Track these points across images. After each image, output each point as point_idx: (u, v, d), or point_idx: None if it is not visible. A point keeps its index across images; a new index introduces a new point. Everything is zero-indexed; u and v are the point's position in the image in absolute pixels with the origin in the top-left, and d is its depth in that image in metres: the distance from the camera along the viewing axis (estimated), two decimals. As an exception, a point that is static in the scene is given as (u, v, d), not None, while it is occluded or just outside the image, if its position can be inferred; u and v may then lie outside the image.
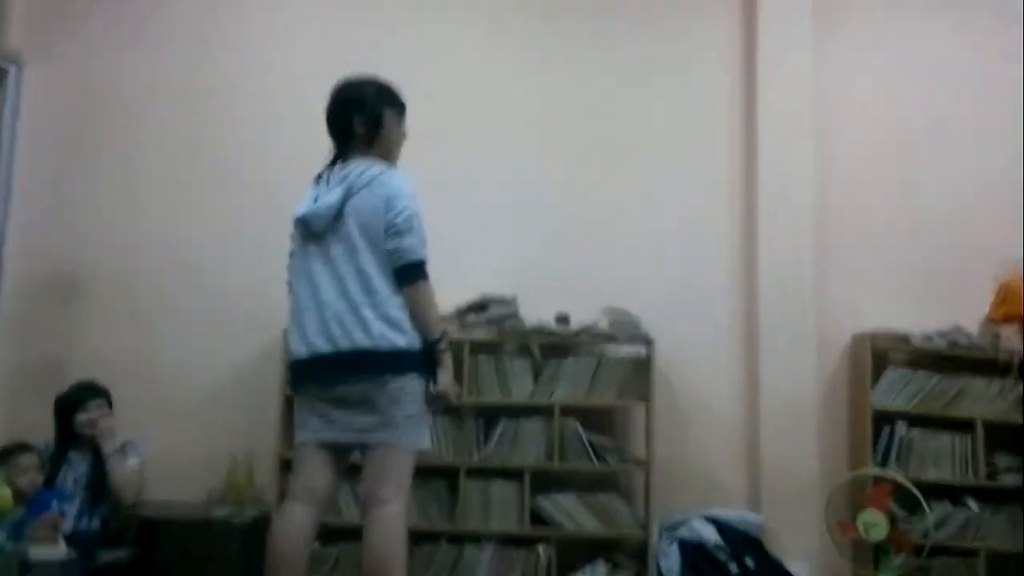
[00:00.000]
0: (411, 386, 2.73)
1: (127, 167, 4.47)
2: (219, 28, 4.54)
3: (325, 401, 2.77)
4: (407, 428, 2.73)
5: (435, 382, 2.76)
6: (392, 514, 2.68)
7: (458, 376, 4.02)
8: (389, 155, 2.90)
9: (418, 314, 2.72)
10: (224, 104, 4.49)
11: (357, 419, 2.74)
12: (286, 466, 4.06)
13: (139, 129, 4.49)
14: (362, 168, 2.78)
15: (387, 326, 2.69)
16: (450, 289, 4.17)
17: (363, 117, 2.83)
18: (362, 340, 2.68)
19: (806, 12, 4.38)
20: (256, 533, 3.90)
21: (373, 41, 4.45)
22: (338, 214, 2.75)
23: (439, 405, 2.81)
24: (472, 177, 4.40)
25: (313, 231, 2.81)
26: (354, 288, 2.71)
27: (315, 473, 2.81)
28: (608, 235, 4.38)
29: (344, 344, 2.68)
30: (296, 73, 4.45)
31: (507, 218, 4.41)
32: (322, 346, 2.72)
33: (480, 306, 4.16)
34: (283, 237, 4.57)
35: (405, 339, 2.71)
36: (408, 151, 4.28)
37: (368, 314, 2.69)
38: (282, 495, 4.01)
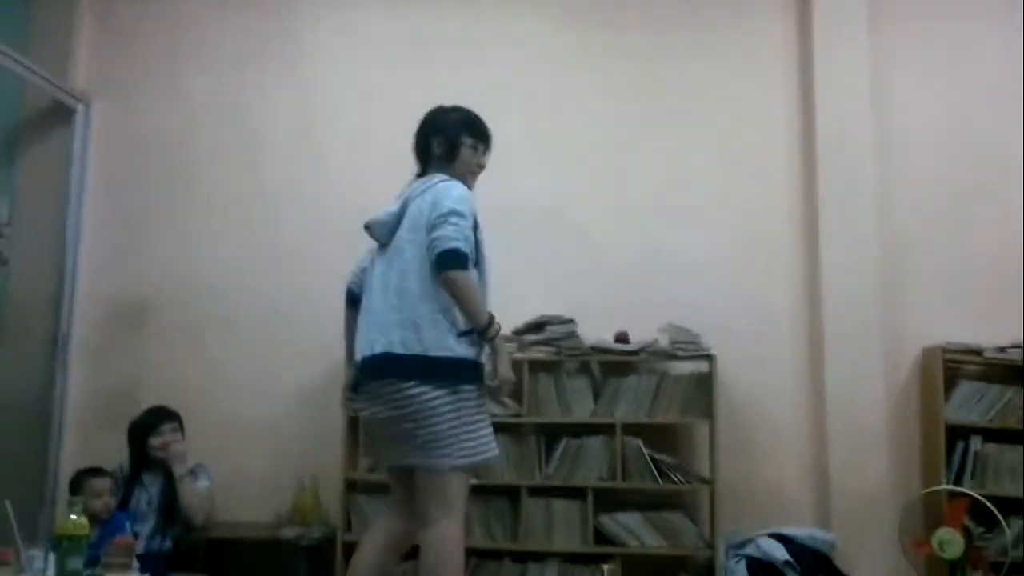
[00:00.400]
0: (439, 397, 2.71)
1: (193, 198, 4.58)
2: (283, 58, 4.64)
3: (371, 424, 2.89)
4: (439, 447, 2.72)
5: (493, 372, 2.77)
6: (441, 533, 2.69)
7: (518, 396, 4.08)
8: (462, 180, 2.96)
9: (458, 304, 2.72)
10: (287, 135, 4.59)
11: (397, 442, 2.81)
12: (351, 487, 4.13)
13: (204, 161, 4.60)
14: (427, 180, 2.91)
15: (410, 330, 2.72)
16: (508, 310, 4.20)
17: (441, 139, 2.96)
18: (382, 345, 2.74)
19: (863, 20, 4.30)
20: (322, 553, 3.96)
21: (432, 69, 4.50)
22: (397, 222, 2.87)
23: (499, 395, 2.81)
24: (531, 199, 4.40)
25: (377, 239, 2.96)
26: (391, 291, 2.79)
27: (394, 492, 2.98)
28: (668, 253, 4.35)
29: (375, 349, 2.77)
30: (353, 104, 4.55)
31: (565, 239, 4.41)
32: (362, 351, 2.82)
33: (538, 326, 4.16)
34: (345, 263, 4.68)
35: (427, 344, 2.71)
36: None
37: (393, 317, 2.75)
38: (347, 516, 4.08)
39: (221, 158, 4.60)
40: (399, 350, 2.71)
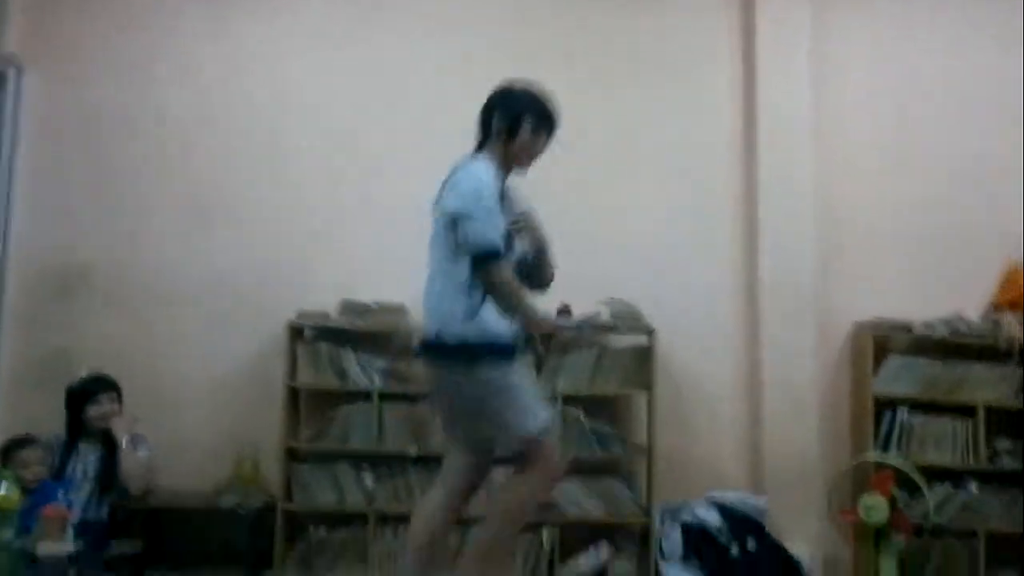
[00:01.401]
0: (476, 379, 2.72)
1: (129, 163, 4.47)
2: (220, 23, 4.54)
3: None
4: (500, 422, 2.75)
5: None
6: (520, 483, 2.79)
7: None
8: (517, 161, 2.89)
9: (497, 303, 2.70)
10: (224, 94, 4.50)
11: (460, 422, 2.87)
12: (292, 456, 4.13)
13: (137, 125, 4.49)
14: (463, 159, 2.84)
15: (434, 316, 2.75)
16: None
17: (502, 116, 2.85)
18: (425, 331, 2.79)
19: (804, 2, 4.35)
20: (263, 522, 3.96)
21: (384, 48, 4.47)
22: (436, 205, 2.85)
23: (540, 352, 2.90)
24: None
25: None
26: (429, 275, 2.81)
27: (450, 461, 2.97)
28: (608, 227, 4.39)
29: (423, 336, 2.81)
30: (295, 66, 4.49)
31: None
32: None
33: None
34: (291, 228, 4.64)
35: (444, 328, 2.71)
36: (416, 145, 4.38)
37: (427, 304, 2.79)
38: (288, 485, 4.09)
39: (154, 121, 4.48)
40: (432, 338, 2.76)
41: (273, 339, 4.20)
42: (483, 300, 2.69)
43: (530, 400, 2.76)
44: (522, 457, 2.78)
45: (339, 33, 4.52)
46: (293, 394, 4.16)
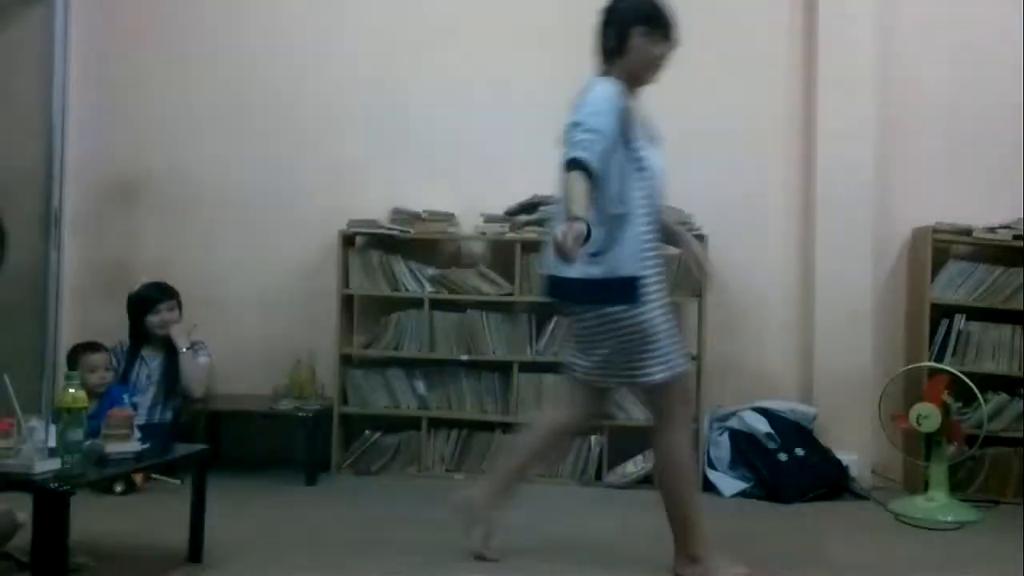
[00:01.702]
0: (600, 319, 2.60)
1: (186, 74, 4.49)
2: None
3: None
4: (624, 366, 2.64)
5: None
6: (666, 443, 2.70)
7: (509, 275, 4.12)
8: (635, 77, 2.68)
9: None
10: (276, 4, 4.48)
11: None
12: (346, 362, 4.22)
13: (193, 33, 4.49)
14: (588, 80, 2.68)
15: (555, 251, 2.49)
16: (502, 190, 4.21)
17: (611, 31, 2.67)
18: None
19: None
20: (319, 425, 4.08)
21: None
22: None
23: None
24: (524, 81, 4.31)
25: None
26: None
27: (575, 391, 2.86)
28: (663, 133, 4.28)
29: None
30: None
31: (552, 127, 4.33)
32: None
33: (531, 206, 4.15)
34: (338, 141, 4.62)
35: (566, 265, 2.45)
36: (458, 52, 4.31)
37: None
38: (343, 390, 4.19)
39: (210, 31, 4.47)
40: (552, 271, 2.63)
41: (326, 247, 4.25)
42: (619, 232, 2.56)
43: (663, 345, 2.62)
44: (655, 406, 2.73)
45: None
46: (347, 301, 4.23)
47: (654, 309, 2.61)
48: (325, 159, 4.42)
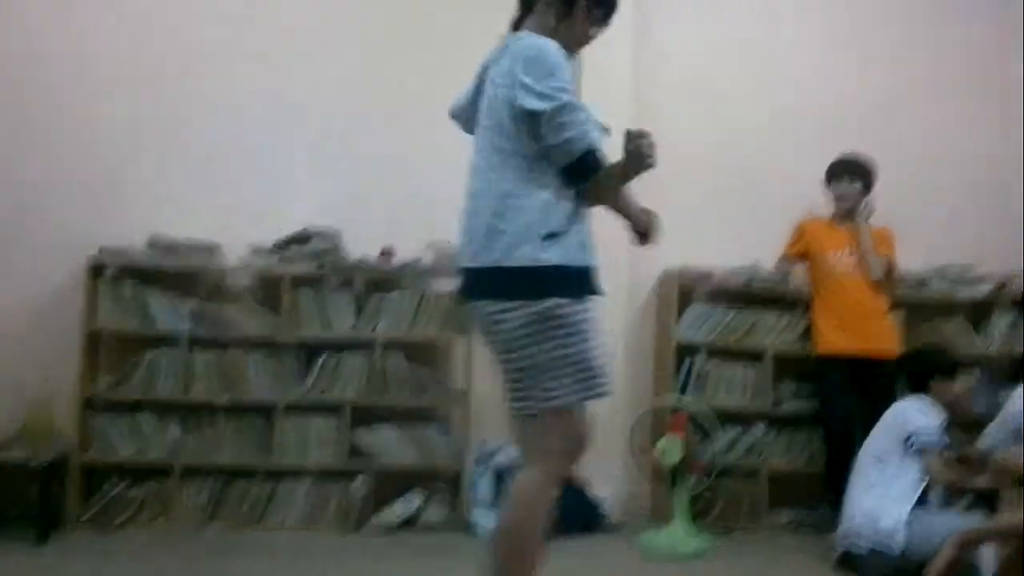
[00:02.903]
0: (528, 318, 2.12)
1: None
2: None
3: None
4: (530, 382, 2.18)
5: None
6: (522, 480, 2.24)
7: (276, 309, 3.99)
8: (568, 45, 2.28)
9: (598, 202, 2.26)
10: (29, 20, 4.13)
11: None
12: (89, 405, 3.88)
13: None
14: (508, 39, 2.28)
15: (484, 238, 2.16)
16: (272, 221, 4.09)
17: None
18: (462, 259, 2.24)
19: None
20: (54, 477, 3.71)
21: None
22: (473, 98, 2.31)
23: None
24: (296, 108, 4.26)
25: (468, 131, 2.36)
26: (477, 186, 2.24)
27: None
28: (435, 168, 4.34)
29: (460, 263, 2.27)
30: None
31: (333, 151, 4.31)
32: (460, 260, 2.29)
33: (302, 239, 4.07)
34: (93, 158, 4.28)
35: (504, 247, 2.13)
36: (227, 76, 4.15)
37: (469, 224, 2.22)
38: (84, 437, 3.84)
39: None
40: (474, 263, 2.20)
41: (71, 277, 3.91)
42: (577, 214, 2.20)
43: (586, 358, 2.19)
44: (540, 426, 2.22)
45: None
46: (93, 337, 3.90)
47: (593, 311, 2.23)
48: (74, 177, 4.09)
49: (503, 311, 2.15)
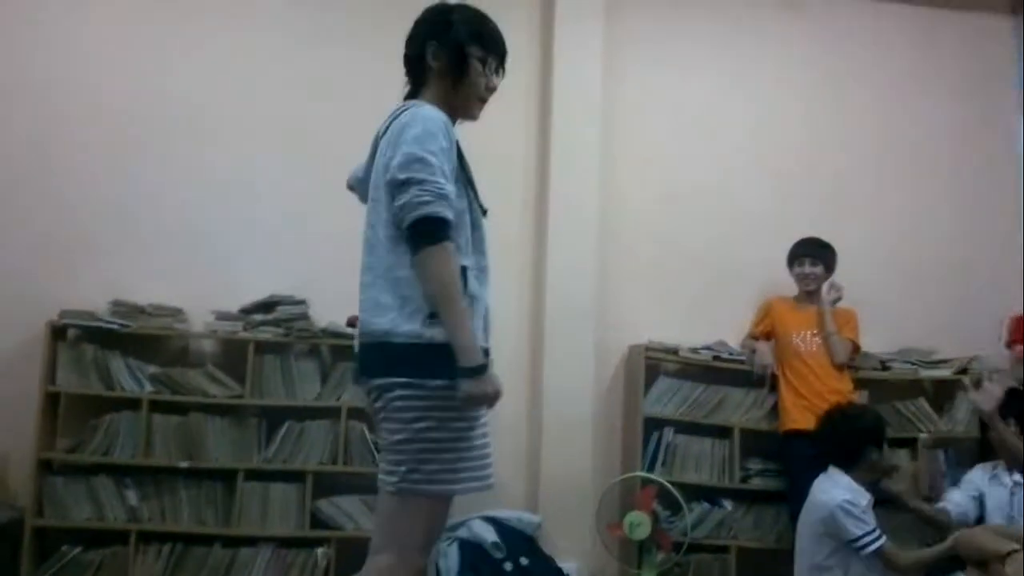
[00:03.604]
0: (407, 396, 2.06)
1: None
2: None
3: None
4: (409, 459, 2.07)
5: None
6: (376, 567, 2.11)
7: (240, 376, 3.96)
8: (466, 110, 2.30)
9: (425, 291, 2.07)
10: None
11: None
12: (46, 468, 3.80)
13: None
14: (398, 108, 2.22)
15: (371, 312, 2.12)
16: (238, 288, 4.09)
17: (439, 49, 2.23)
18: (359, 335, 2.17)
19: (598, 48, 4.55)
20: (8, 539, 3.61)
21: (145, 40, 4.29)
22: (368, 169, 2.26)
23: (471, 408, 2.08)
24: (263, 176, 4.31)
25: (361, 198, 2.31)
26: (367, 259, 2.18)
27: None
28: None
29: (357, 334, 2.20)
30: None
31: (299, 217, 4.33)
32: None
33: (267, 305, 4.06)
34: (54, 220, 4.30)
35: (388, 322, 2.08)
36: (195, 146, 4.20)
37: (361, 298, 2.16)
38: (39, 500, 3.75)
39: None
40: (363, 339, 2.15)
41: (30, 338, 3.87)
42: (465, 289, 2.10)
43: (472, 445, 2.10)
44: (408, 509, 2.10)
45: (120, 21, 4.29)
46: (51, 399, 3.85)
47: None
48: (37, 239, 4.08)
49: (390, 387, 2.09)
